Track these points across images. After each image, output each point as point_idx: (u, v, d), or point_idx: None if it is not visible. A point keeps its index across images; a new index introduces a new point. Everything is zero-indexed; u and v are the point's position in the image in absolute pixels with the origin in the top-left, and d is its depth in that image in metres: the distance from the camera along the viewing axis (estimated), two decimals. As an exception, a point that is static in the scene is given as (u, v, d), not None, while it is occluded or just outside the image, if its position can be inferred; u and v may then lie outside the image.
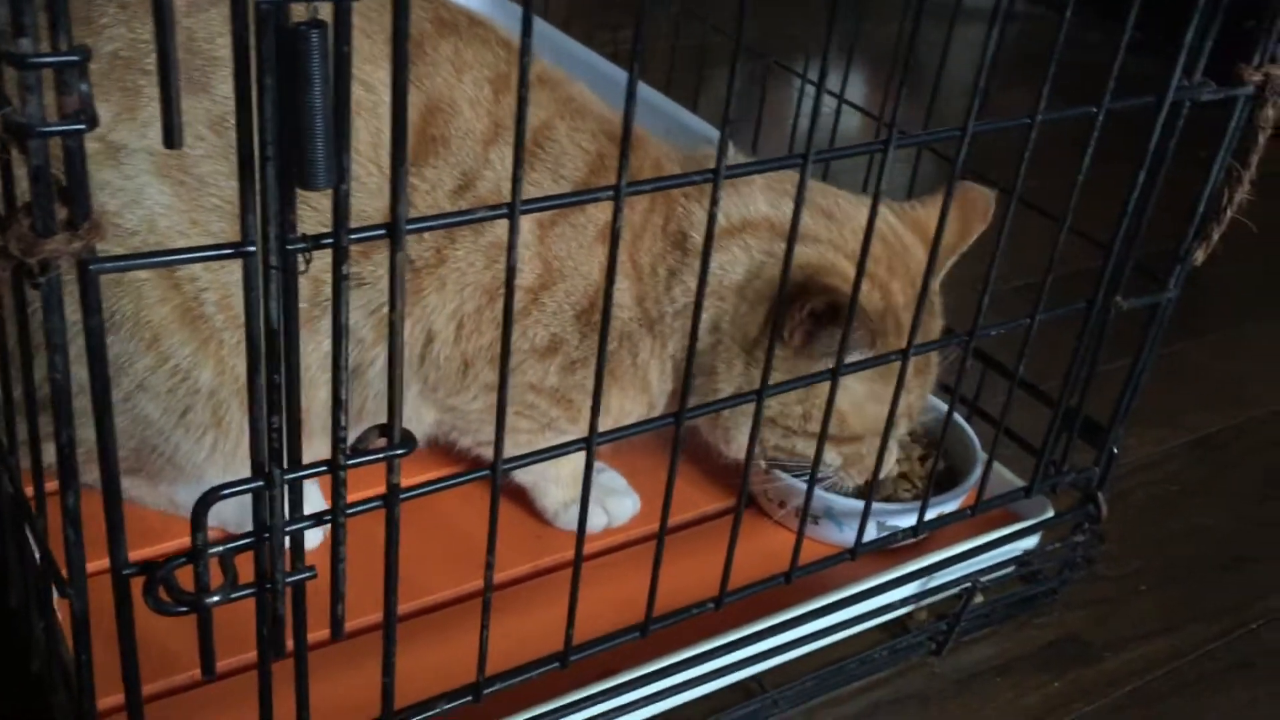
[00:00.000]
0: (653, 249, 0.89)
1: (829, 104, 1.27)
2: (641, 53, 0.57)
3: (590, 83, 0.96)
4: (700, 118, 1.36)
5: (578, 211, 0.86)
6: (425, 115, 0.83)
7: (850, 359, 0.79)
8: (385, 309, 0.85)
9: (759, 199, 0.92)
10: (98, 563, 0.61)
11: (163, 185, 0.78)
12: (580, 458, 0.96)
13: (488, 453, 0.95)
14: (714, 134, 1.27)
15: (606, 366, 0.89)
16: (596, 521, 1.02)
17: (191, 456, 0.87)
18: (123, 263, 0.50)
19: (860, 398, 0.93)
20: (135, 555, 0.91)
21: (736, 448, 0.95)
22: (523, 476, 1.01)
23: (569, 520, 1.01)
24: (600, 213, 0.87)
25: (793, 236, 0.68)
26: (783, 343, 0.88)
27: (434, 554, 0.98)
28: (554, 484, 1.00)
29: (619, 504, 1.03)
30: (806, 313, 0.86)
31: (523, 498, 1.04)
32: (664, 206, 0.90)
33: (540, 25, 1.59)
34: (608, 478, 1.05)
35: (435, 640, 0.92)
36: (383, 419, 0.88)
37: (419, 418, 0.93)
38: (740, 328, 0.90)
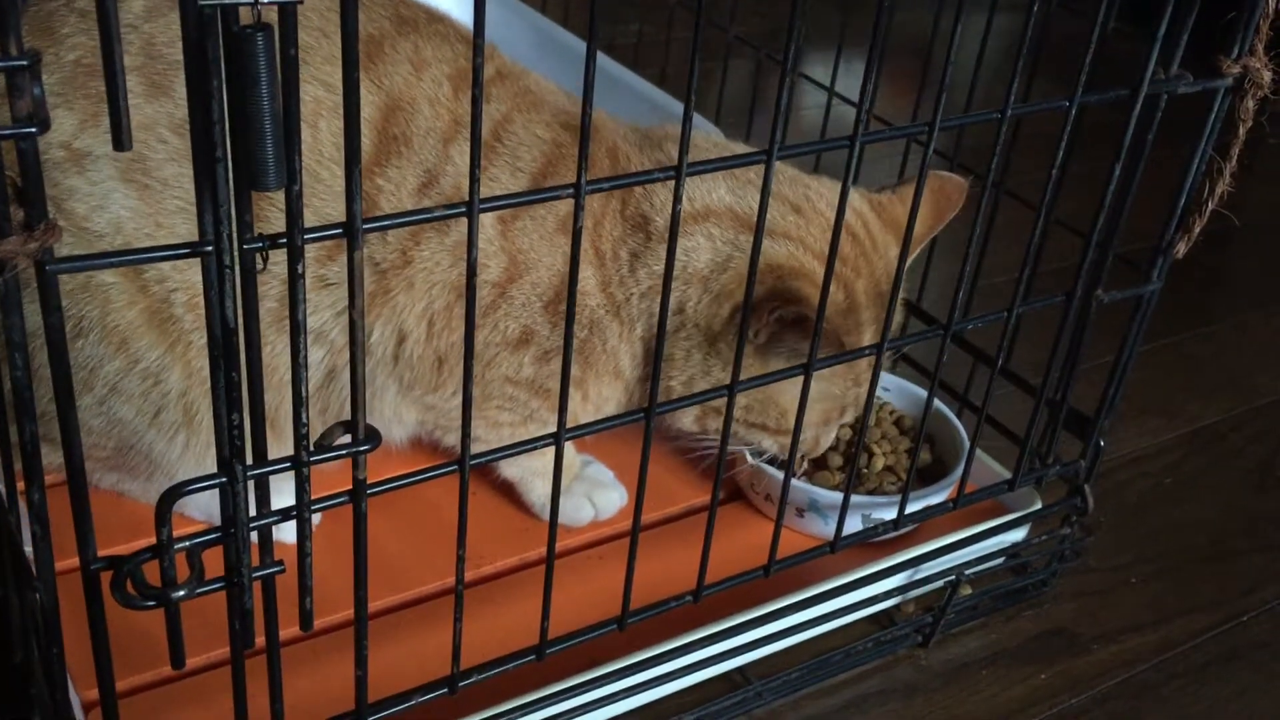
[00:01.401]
0: (613, 234, 0.90)
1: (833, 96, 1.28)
2: (595, 50, 0.57)
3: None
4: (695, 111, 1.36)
5: (538, 204, 0.86)
6: (386, 114, 0.83)
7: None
8: (364, 307, 0.86)
9: (721, 186, 0.92)
10: (74, 559, 0.62)
11: (128, 190, 0.79)
12: (565, 450, 0.97)
13: (473, 449, 0.95)
14: (706, 125, 1.27)
15: (580, 355, 0.90)
16: (583, 515, 1.03)
17: (166, 455, 0.88)
18: (79, 263, 0.51)
19: (808, 395, 0.92)
20: (124, 549, 0.93)
21: (680, 425, 0.97)
22: (508, 471, 1.02)
23: (556, 513, 1.02)
24: (560, 203, 0.87)
25: (758, 239, 0.68)
26: (748, 340, 0.88)
27: (422, 547, 0.99)
28: (539, 478, 1.01)
29: (606, 497, 1.03)
30: (775, 318, 0.86)
31: (511, 492, 1.04)
32: (621, 190, 0.90)
33: (535, 19, 1.59)
34: (594, 470, 1.06)
35: (420, 632, 0.92)
36: (370, 423, 0.89)
37: (400, 418, 0.94)
38: (704, 319, 0.90)
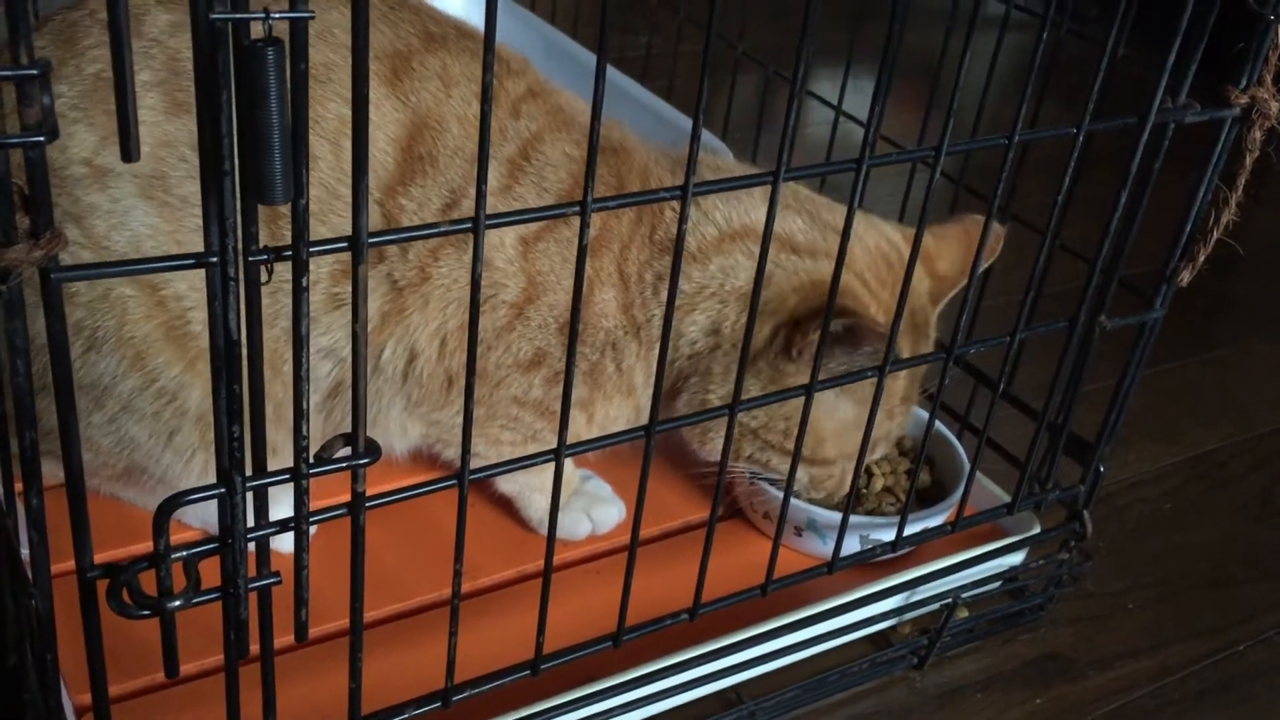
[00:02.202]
0: (640, 257, 0.89)
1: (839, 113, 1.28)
2: (605, 66, 0.57)
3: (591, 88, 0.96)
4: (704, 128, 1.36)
5: (562, 225, 0.86)
6: (412, 133, 0.82)
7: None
8: (366, 321, 0.85)
9: (759, 206, 0.91)
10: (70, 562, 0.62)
11: (148, 207, 0.79)
12: (564, 465, 0.97)
13: (473, 464, 0.95)
14: (714, 142, 1.27)
15: (589, 378, 0.90)
16: (581, 529, 1.03)
17: (183, 479, 0.87)
18: (82, 272, 0.51)
19: (846, 422, 0.93)
20: (123, 553, 0.93)
21: (711, 449, 0.95)
22: (506, 486, 1.02)
23: (554, 527, 1.01)
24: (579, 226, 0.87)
25: (764, 253, 0.68)
26: (789, 359, 0.88)
27: (420, 558, 0.99)
28: (538, 493, 1.00)
29: (604, 512, 1.03)
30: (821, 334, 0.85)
31: (509, 505, 1.04)
32: (651, 215, 0.90)
33: (546, 30, 1.60)
34: (593, 485, 1.05)
35: (416, 644, 0.92)
36: (373, 435, 0.89)
37: (404, 431, 0.93)
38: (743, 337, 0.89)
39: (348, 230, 0.81)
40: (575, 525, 1.02)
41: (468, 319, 0.85)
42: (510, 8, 1.66)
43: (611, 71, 1.46)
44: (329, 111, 0.80)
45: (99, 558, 0.89)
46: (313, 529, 0.96)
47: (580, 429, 0.93)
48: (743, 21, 1.36)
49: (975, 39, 0.68)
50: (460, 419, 0.89)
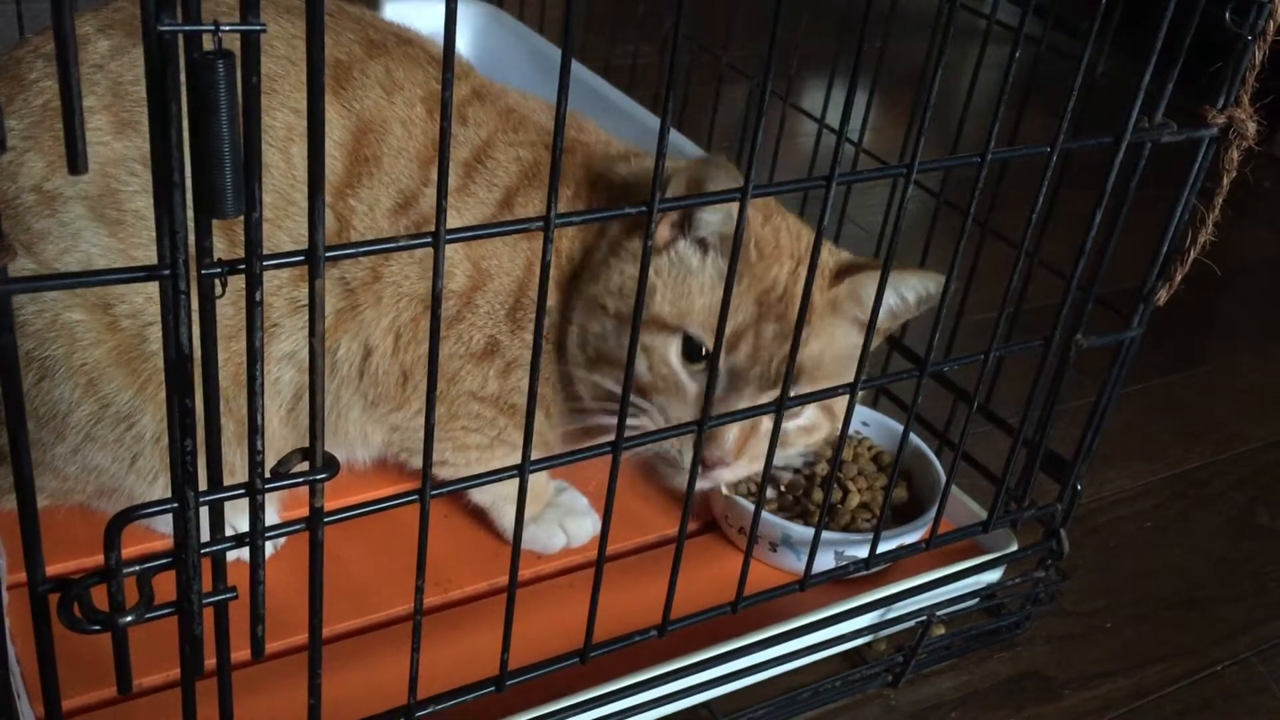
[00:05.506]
0: (584, 239, 0.89)
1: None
2: (568, 85, 0.56)
3: (579, 97, 0.96)
4: (684, 136, 1.36)
5: (503, 212, 0.85)
6: (357, 136, 0.83)
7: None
8: (323, 334, 0.85)
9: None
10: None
11: (99, 227, 0.79)
12: (537, 476, 0.96)
13: (439, 473, 0.94)
14: (696, 151, 1.27)
15: (543, 372, 0.88)
16: (555, 542, 1.02)
17: (146, 498, 0.87)
18: (33, 283, 0.51)
19: (676, 272, 0.85)
20: (92, 562, 0.92)
21: (571, 356, 0.89)
22: (480, 497, 1.01)
23: (528, 540, 1.01)
24: (523, 210, 0.86)
25: (737, 252, 0.68)
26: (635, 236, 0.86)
27: (392, 569, 0.98)
28: (511, 504, 0.99)
29: (578, 525, 1.03)
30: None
31: (484, 515, 1.03)
32: (587, 193, 0.89)
33: (534, 39, 1.59)
34: (568, 498, 1.05)
35: (384, 657, 0.91)
36: (334, 445, 0.88)
37: (366, 438, 0.92)
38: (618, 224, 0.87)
39: (302, 235, 0.82)
40: (550, 538, 1.02)
41: (420, 313, 0.85)
42: (496, 16, 1.66)
43: (596, 80, 1.46)
44: (276, 121, 0.81)
45: (69, 566, 0.89)
46: (281, 541, 0.96)
47: (541, 425, 0.91)
48: (729, 31, 1.36)
49: (965, 47, 0.68)
50: (419, 421, 0.89)
